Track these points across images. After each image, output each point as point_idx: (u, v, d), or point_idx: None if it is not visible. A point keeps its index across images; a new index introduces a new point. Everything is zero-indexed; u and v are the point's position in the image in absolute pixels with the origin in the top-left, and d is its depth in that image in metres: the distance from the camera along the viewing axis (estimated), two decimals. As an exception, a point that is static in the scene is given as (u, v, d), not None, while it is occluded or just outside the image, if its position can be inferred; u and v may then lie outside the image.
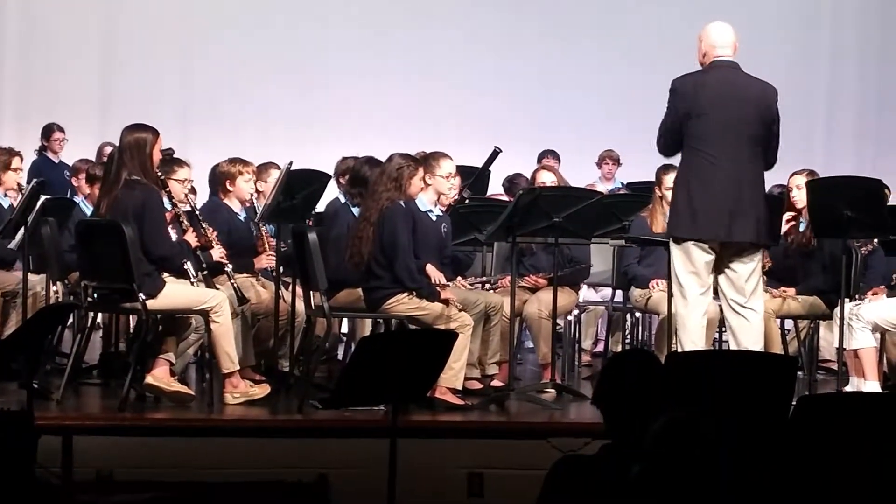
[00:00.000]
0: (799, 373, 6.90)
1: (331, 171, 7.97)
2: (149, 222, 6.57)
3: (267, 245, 7.65)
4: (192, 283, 6.86)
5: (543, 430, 6.37)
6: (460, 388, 6.92)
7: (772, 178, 7.51)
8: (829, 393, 6.90)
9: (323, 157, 8.55)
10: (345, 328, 8.64)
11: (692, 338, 6.61)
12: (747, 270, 6.70)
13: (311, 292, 7.09)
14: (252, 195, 7.77)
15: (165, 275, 6.75)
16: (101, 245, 6.64)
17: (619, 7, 13.28)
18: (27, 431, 4.68)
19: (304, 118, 12.61)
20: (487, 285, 7.79)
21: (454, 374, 6.76)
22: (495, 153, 9.25)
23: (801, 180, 7.55)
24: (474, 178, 9.20)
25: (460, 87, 12.91)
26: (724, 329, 7.11)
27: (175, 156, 7.38)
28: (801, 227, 7.63)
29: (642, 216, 7.94)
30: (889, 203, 7.34)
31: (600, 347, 9.17)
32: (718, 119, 6.57)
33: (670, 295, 6.97)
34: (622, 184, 11.58)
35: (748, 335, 6.65)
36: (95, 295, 6.75)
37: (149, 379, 6.64)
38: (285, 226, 7.61)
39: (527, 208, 7.10)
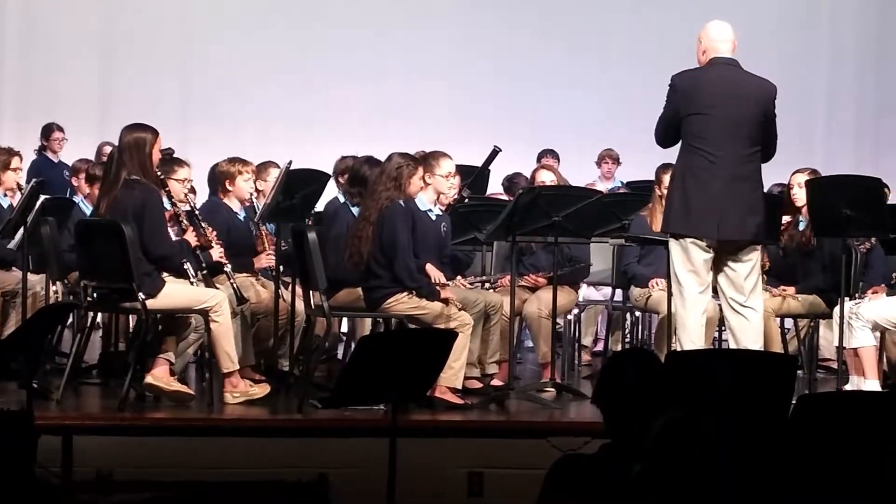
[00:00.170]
0: (799, 372, 6.90)
1: (330, 171, 7.97)
2: (148, 222, 6.57)
3: (266, 244, 7.64)
4: (191, 283, 6.86)
5: (543, 430, 6.37)
6: (460, 387, 6.92)
7: (772, 177, 7.53)
8: (828, 392, 6.91)
9: (323, 158, 8.54)
10: (344, 327, 8.63)
11: (691, 337, 6.61)
12: (746, 269, 6.70)
13: (311, 292, 7.09)
14: (252, 194, 7.77)
15: (165, 274, 6.75)
16: (100, 245, 6.64)
17: (619, 7, 13.28)
18: (27, 431, 4.69)
19: (303, 118, 12.61)
20: (487, 284, 7.78)
21: (454, 373, 6.76)
22: (495, 152, 9.25)
23: (803, 178, 7.54)
24: (474, 177, 9.20)
25: (460, 87, 12.91)
26: (723, 328, 7.11)
27: (175, 156, 7.38)
28: (801, 226, 7.63)
29: (642, 215, 7.95)
30: (889, 202, 7.35)
31: (600, 346, 9.17)
32: (717, 116, 6.56)
33: (670, 294, 6.96)
34: (622, 183, 11.58)
35: (748, 334, 6.65)
36: (95, 295, 6.74)
37: (148, 378, 6.63)
38: (285, 225, 7.61)
39: (526, 207, 7.10)
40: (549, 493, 3.77)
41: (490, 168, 9.45)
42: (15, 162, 8.37)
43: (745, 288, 6.69)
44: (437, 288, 6.94)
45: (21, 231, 7.54)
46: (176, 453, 6.22)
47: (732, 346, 6.71)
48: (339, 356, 8.26)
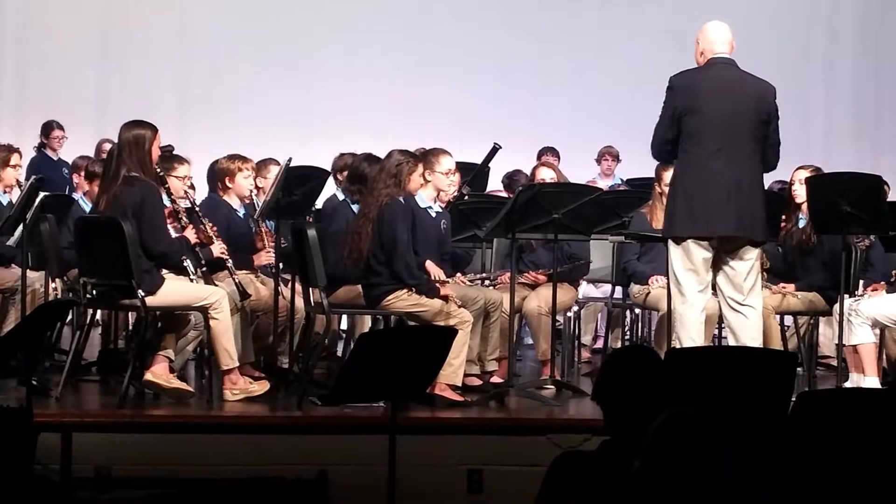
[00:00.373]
0: (798, 369, 6.89)
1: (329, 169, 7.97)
2: (148, 219, 6.56)
3: (266, 242, 7.64)
4: (191, 280, 6.86)
5: (543, 427, 6.37)
6: (460, 384, 6.92)
7: (773, 175, 7.51)
8: (828, 389, 6.93)
9: (323, 158, 8.55)
10: (344, 325, 8.64)
11: (691, 335, 6.61)
12: (745, 268, 6.69)
13: (311, 289, 7.08)
14: (251, 191, 7.76)
15: (164, 271, 6.75)
16: (100, 242, 6.63)
17: (619, 6, 13.28)
18: (26, 428, 4.69)
19: (303, 118, 12.59)
20: (487, 282, 7.78)
21: (454, 370, 6.76)
22: (495, 150, 9.25)
23: (805, 175, 7.53)
24: (474, 174, 9.20)
25: (460, 86, 12.91)
26: (723, 325, 7.11)
27: (174, 153, 7.38)
28: (801, 224, 7.63)
29: (642, 212, 7.95)
30: (888, 199, 7.34)
31: (600, 344, 9.17)
32: (715, 115, 6.56)
33: (670, 291, 6.96)
34: (622, 180, 11.58)
35: (747, 332, 6.65)
36: (94, 292, 6.73)
37: (148, 376, 6.64)
38: (284, 222, 7.60)
39: (526, 205, 7.10)
40: (549, 489, 3.76)
41: (490, 165, 9.46)
42: (14, 158, 8.35)
43: (744, 287, 6.69)
44: (437, 285, 6.94)
45: (20, 228, 7.52)
46: (175, 450, 6.22)
47: (732, 343, 6.72)
48: (339, 353, 8.26)
